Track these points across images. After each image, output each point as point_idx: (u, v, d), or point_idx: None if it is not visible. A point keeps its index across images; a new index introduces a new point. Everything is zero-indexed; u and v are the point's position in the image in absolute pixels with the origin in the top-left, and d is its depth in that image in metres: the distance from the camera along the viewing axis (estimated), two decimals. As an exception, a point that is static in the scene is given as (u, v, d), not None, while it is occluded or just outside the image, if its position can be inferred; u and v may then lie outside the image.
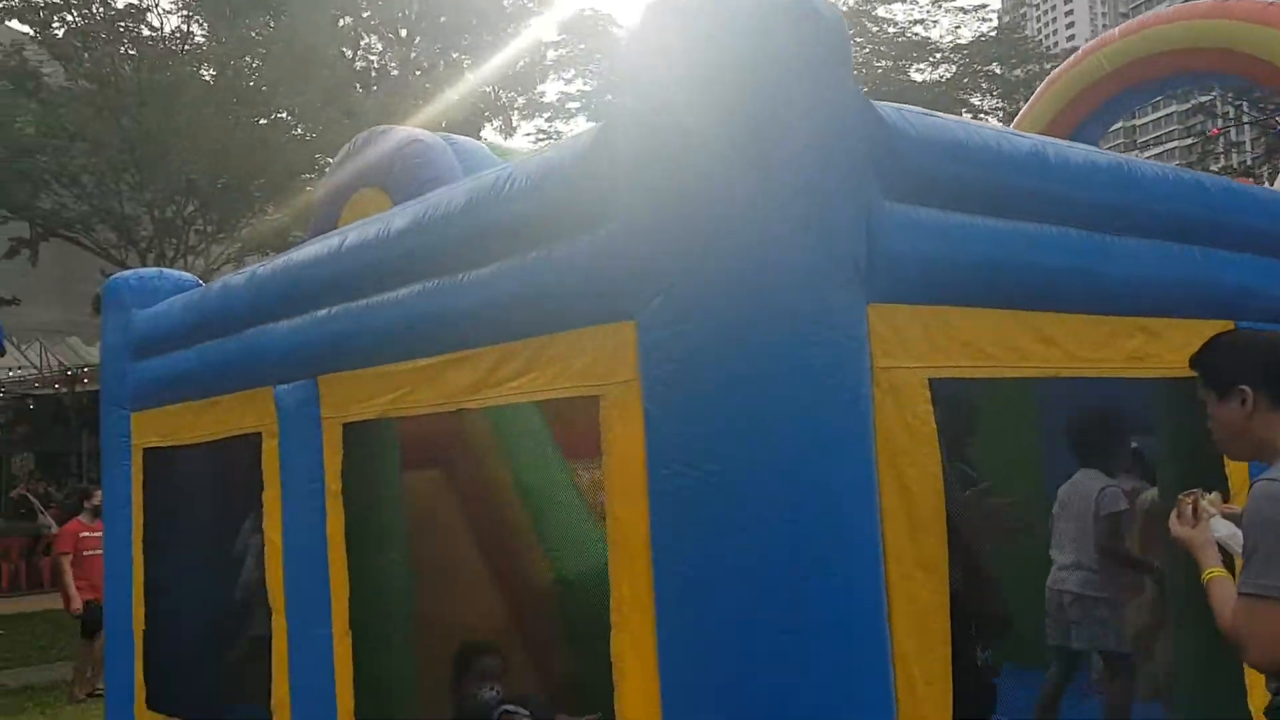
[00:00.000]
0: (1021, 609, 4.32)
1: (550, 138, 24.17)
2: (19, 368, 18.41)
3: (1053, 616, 4.16)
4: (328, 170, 4.83)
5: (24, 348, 17.82)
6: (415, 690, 3.37)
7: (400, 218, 3.00)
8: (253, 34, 15.98)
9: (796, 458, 1.99)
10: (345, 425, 3.23)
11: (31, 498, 18.25)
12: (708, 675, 2.04)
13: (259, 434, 3.62)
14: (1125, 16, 39.07)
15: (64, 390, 20.02)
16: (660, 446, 2.14)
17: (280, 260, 3.60)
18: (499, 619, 3.89)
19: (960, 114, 21.71)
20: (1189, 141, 44.16)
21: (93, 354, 15.80)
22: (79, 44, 15.63)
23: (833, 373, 2.02)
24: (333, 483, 3.27)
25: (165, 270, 4.92)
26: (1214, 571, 2.21)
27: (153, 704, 4.46)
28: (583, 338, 2.40)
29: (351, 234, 3.21)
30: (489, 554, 3.98)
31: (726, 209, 2.05)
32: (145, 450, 4.44)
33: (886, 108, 2.27)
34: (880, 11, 26.87)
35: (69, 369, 18.63)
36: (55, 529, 17.48)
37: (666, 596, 2.12)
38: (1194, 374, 2.43)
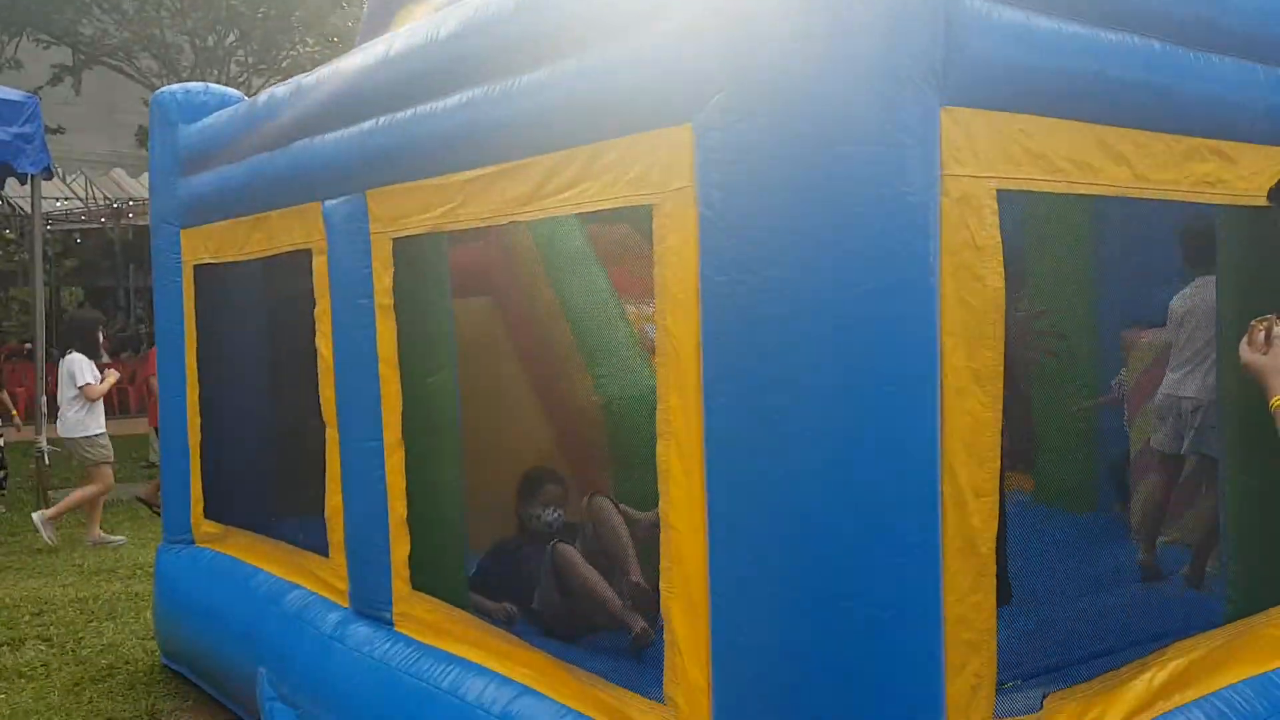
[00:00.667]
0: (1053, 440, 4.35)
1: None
2: (64, 198, 18.58)
3: (1167, 423, 4.15)
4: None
5: (69, 179, 17.95)
6: (462, 503, 3.46)
7: (449, 22, 2.89)
8: None
9: (857, 264, 1.94)
10: (395, 240, 3.21)
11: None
12: (754, 481, 2.05)
13: (308, 250, 3.63)
14: None
15: (110, 224, 20.24)
16: (715, 252, 2.09)
17: (327, 70, 3.51)
18: (545, 441, 3.95)
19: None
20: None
21: (137, 187, 15.86)
22: None
23: (899, 178, 1.94)
24: (383, 298, 3.28)
25: (211, 85, 4.85)
26: None
27: (210, 514, 4.65)
28: (637, 144, 2.33)
29: (399, 41, 3.11)
30: (537, 378, 4.02)
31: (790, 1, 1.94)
32: (196, 267, 4.48)
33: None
34: None
35: (114, 202, 18.79)
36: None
37: (715, 405, 2.11)
38: (1269, 203, 2.32)
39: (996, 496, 2.09)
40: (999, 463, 2.09)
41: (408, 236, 3.16)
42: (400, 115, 3.08)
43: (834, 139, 1.93)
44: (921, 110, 1.97)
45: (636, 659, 3.02)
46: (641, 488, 2.41)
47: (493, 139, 2.75)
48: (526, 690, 2.79)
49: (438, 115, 2.92)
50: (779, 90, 1.97)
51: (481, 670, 2.96)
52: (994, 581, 2.12)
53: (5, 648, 5.12)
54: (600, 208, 2.50)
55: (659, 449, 2.30)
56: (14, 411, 7.91)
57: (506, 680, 2.86)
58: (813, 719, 1.98)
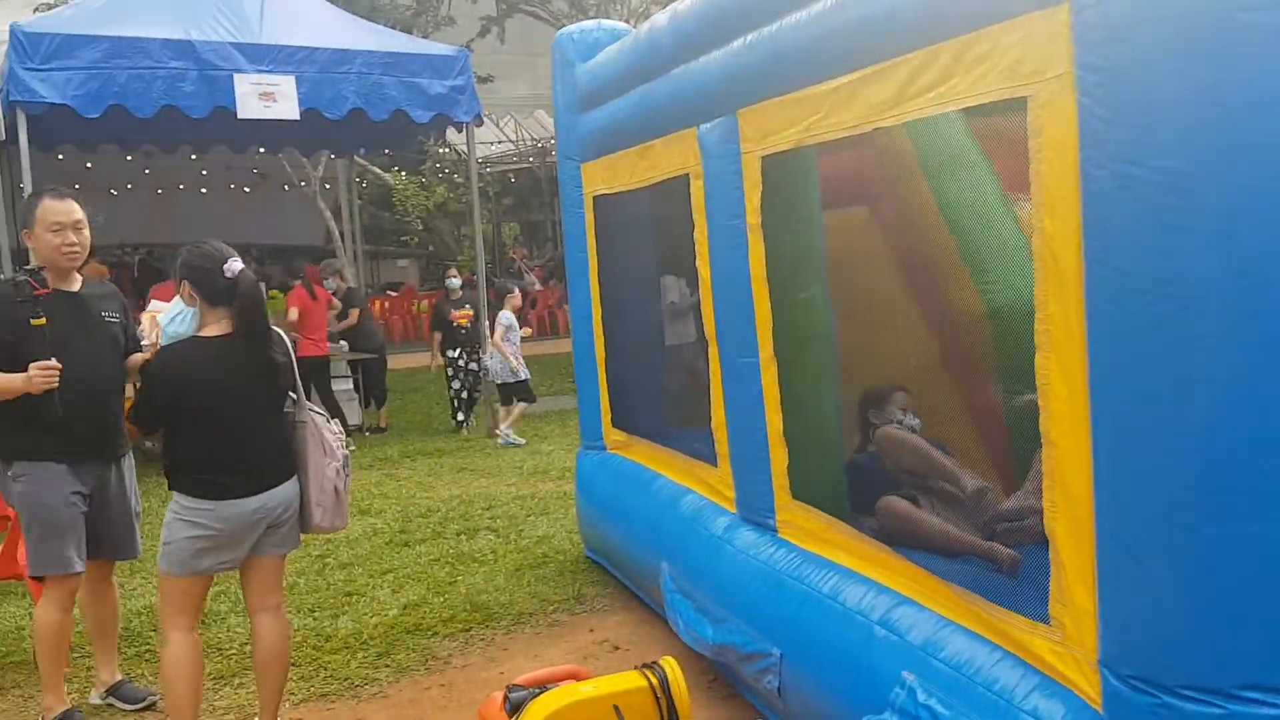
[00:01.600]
0: None
1: None
2: (498, 142, 20.80)
3: None
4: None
5: (500, 123, 20.05)
6: (836, 412, 3.49)
7: (811, -72, 2.84)
8: None
9: (1259, 152, 1.66)
10: (764, 158, 3.26)
11: (519, 260, 21.06)
12: (1142, 395, 1.86)
13: (687, 175, 3.79)
14: None
15: (536, 163, 22.42)
16: (1097, 145, 1.90)
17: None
18: (927, 353, 3.84)
19: None
20: None
21: (556, 125, 17.28)
22: None
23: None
24: (753, 216, 3.35)
25: (604, 22, 5.12)
26: None
27: (617, 423, 5.10)
28: (1008, 31, 2.15)
29: (763, -45, 3.11)
30: (917, 287, 3.90)
31: None
32: (595, 197, 4.86)
33: None
34: None
35: (539, 141, 20.74)
36: (539, 287, 20.16)
37: (1098, 313, 1.93)
38: None
39: None
40: None
41: (776, 153, 3.18)
42: (766, 30, 3.09)
43: (1232, 9, 1.66)
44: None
45: (1013, 577, 2.89)
46: (1034, 403, 2.27)
47: (856, 42, 2.67)
48: (905, 600, 2.79)
49: (801, 25, 2.90)
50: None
51: (861, 578, 3.00)
52: None
53: (463, 536, 6.03)
54: (970, 104, 2.36)
55: (1038, 361, 2.17)
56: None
57: (885, 589, 2.89)
58: (1209, 650, 1.79)
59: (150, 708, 3.87)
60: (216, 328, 3.21)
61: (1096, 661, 2.04)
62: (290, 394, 3.38)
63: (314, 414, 3.43)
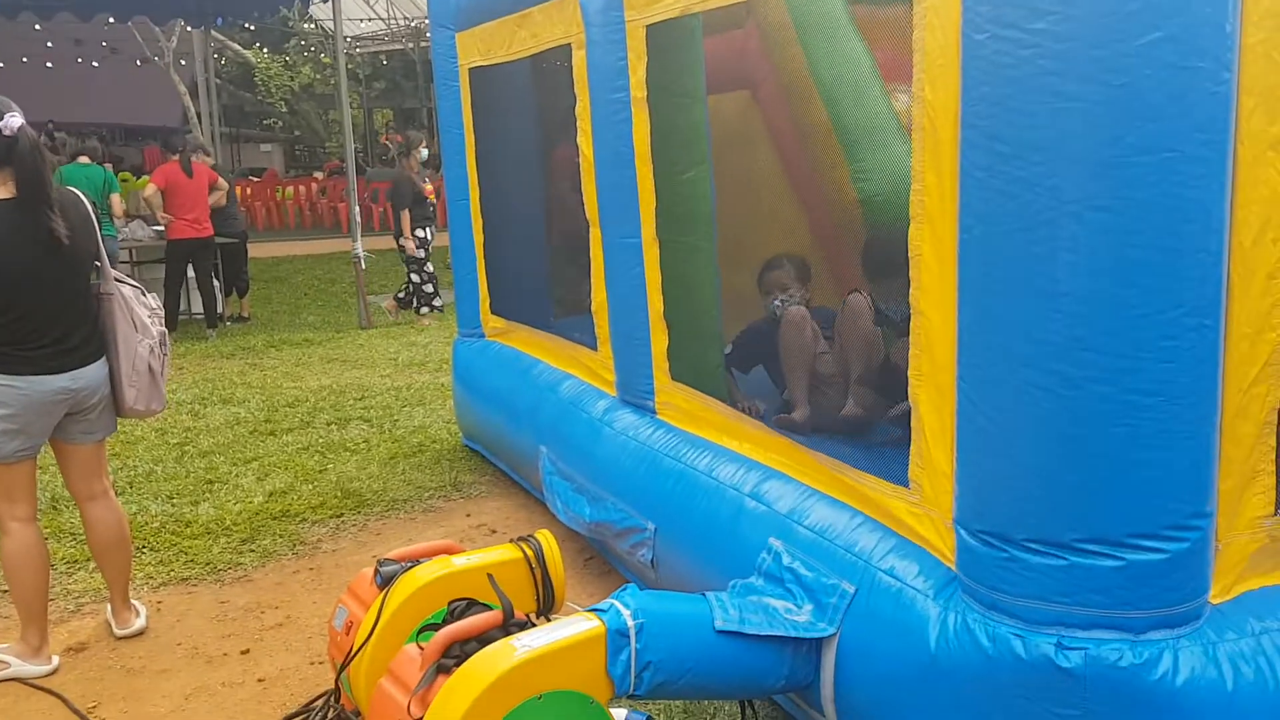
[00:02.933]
0: None
1: None
2: (367, 20, 19.78)
3: None
4: None
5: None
6: (717, 298, 3.50)
7: None
8: None
9: (1137, 9, 1.68)
10: (649, 27, 3.16)
11: (391, 146, 20.28)
12: (1010, 262, 1.90)
13: (569, 45, 3.66)
14: None
15: (410, 45, 21.45)
16: (978, 7, 1.88)
17: None
18: (800, 235, 3.86)
19: None
20: None
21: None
22: None
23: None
24: (637, 90, 3.27)
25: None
26: None
27: (495, 310, 5.01)
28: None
29: None
30: (794, 171, 3.90)
31: None
32: (471, 70, 4.66)
33: None
34: None
35: (411, 21, 19.81)
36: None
37: (970, 180, 1.95)
38: None
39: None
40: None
41: (661, 22, 3.09)
42: (653, -110, 2.96)
43: None
44: None
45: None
46: (900, 284, 2.31)
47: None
48: (774, 473, 2.86)
49: (689, -114, 2.79)
50: None
51: (734, 455, 3.06)
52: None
53: (334, 426, 5.89)
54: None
55: (911, 233, 2.19)
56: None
57: (756, 464, 2.95)
58: (1060, 507, 1.89)
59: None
60: (3, 194, 2.94)
61: (952, 521, 2.13)
62: (94, 264, 3.16)
63: (125, 286, 3.23)
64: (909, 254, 2.20)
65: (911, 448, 2.27)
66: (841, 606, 2.29)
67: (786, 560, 2.48)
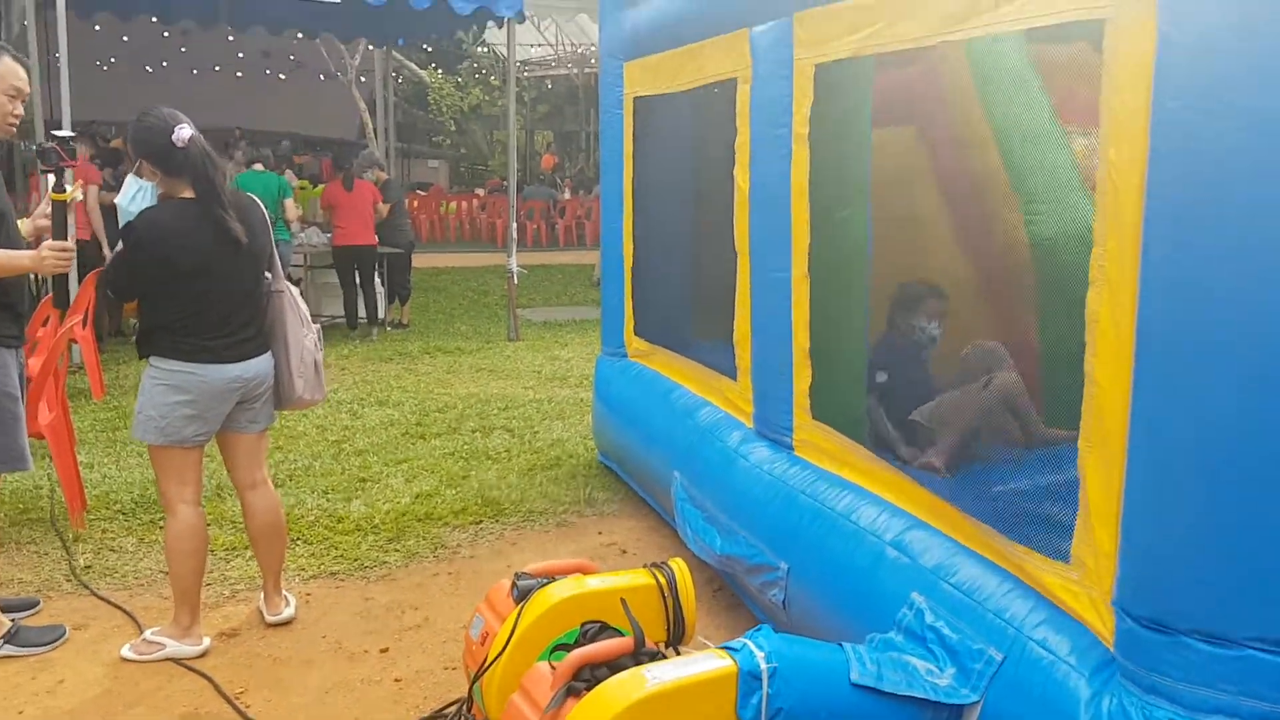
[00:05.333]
0: None
1: None
2: (537, 45, 20.43)
3: None
4: None
5: (541, 25, 19.66)
6: (865, 338, 3.44)
7: None
8: None
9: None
10: (818, 66, 3.15)
11: (549, 168, 20.86)
12: (1194, 339, 1.81)
13: (734, 80, 3.69)
14: None
15: (575, 70, 22.03)
16: (1172, 76, 1.81)
17: (761, -111, 3.45)
18: (965, 277, 3.76)
19: None
20: None
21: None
22: None
23: None
24: (800, 126, 3.26)
25: (656, -83, 4.95)
26: None
27: (639, 332, 5.07)
28: (1091, -56, 2.05)
29: None
30: (959, 213, 3.80)
31: None
32: (635, 99, 4.74)
33: None
34: None
35: (578, 47, 20.35)
36: (567, 196, 20.00)
37: (1155, 251, 1.87)
38: None
39: None
40: None
41: (831, 62, 3.08)
42: (832, -70, 2.96)
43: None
44: None
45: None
46: (1069, 336, 2.22)
47: (926, -51, 2.56)
48: (919, 523, 2.78)
49: (869, -73, 2.77)
50: None
51: (875, 499, 2.99)
52: None
53: (478, 433, 6.07)
54: (1045, 23, 2.25)
55: (1089, 296, 2.11)
56: None
57: (900, 511, 2.88)
58: (1236, 602, 1.77)
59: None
60: (186, 195, 3.15)
61: (1112, 601, 2.03)
62: (269, 262, 3.36)
63: (289, 285, 3.43)
64: (1085, 318, 2.11)
65: (1077, 521, 2.17)
66: (987, 674, 2.21)
67: (929, 618, 2.41)
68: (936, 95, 3.73)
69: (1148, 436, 1.92)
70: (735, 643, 2.28)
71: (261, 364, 3.32)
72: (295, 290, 3.46)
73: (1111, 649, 2.02)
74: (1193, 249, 1.79)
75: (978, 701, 2.20)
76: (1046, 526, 2.41)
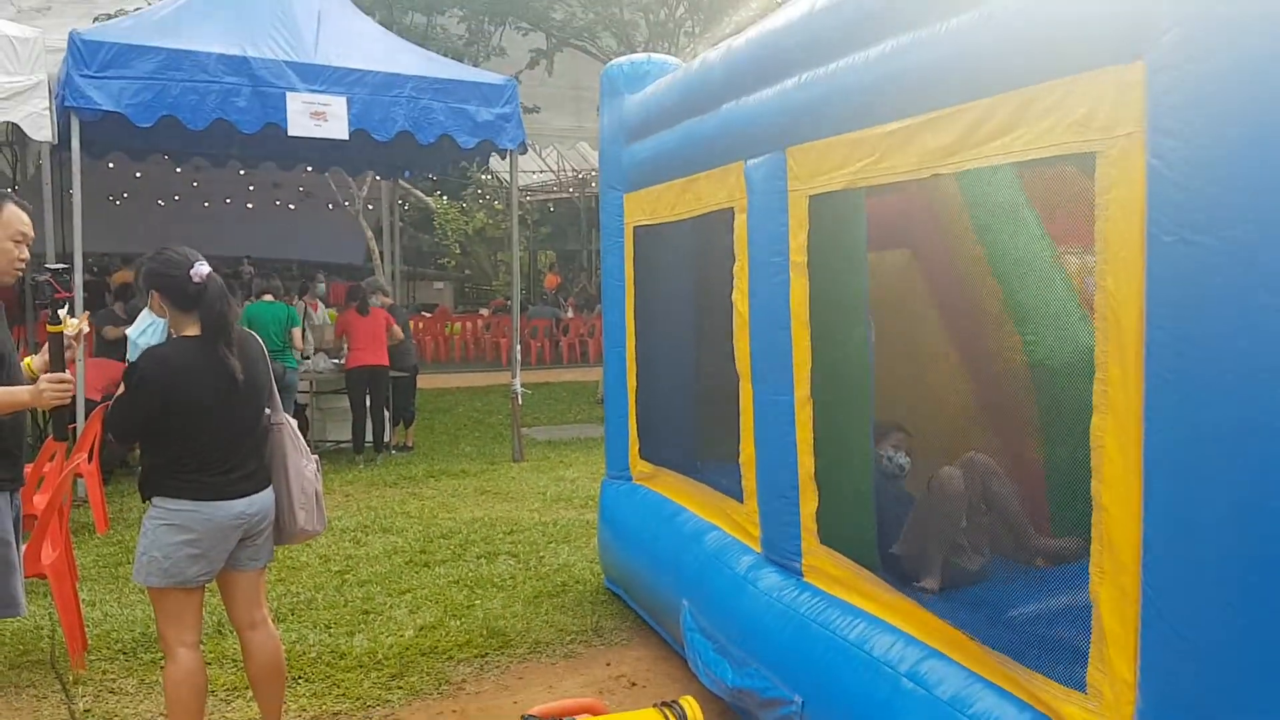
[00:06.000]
0: None
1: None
2: (540, 171, 21.00)
3: None
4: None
5: (543, 153, 20.25)
6: (872, 460, 3.43)
7: (873, -30, 2.83)
8: None
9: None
10: (811, 197, 3.24)
11: (552, 288, 21.19)
12: (1200, 467, 1.81)
13: (731, 209, 3.78)
14: None
15: (576, 194, 22.59)
16: (1164, 209, 1.87)
17: (754, 30, 3.61)
18: (966, 403, 3.78)
19: None
20: None
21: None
22: None
23: None
24: (797, 255, 3.33)
25: (654, 55, 5.16)
26: None
27: (644, 455, 5.06)
28: (1079, 85, 2.12)
29: (823, -5, 3.11)
30: (959, 335, 3.85)
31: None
32: (635, 228, 4.85)
33: None
34: None
35: (579, 173, 20.92)
36: (570, 314, 20.25)
37: (1157, 380, 1.89)
38: None
39: None
40: None
41: (824, 193, 3.16)
42: (821, 70, 3.08)
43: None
44: None
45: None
46: (1072, 458, 2.22)
47: (916, 88, 2.65)
48: (934, 653, 2.73)
49: (859, 67, 2.88)
50: (1248, 23, 1.69)
51: (889, 627, 2.94)
52: None
53: (483, 560, 5.99)
54: (1035, 156, 2.32)
55: (1094, 423, 2.11)
56: None
57: (914, 640, 2.82)
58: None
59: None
60: (192, 331, 3.20)
61: (1135, 731, 1.97)
62: (269, 397, 3.38)
63: (288, 418, 3.45)
64: (1090, 444, 2.11)
65: (1092, 649, 2.13)
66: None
67: (947, 754, 2.34)
68: (930, 219, 3.83)
69: (1162, 565, 1.90)
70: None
71: (264, 498, 3.31)
72: (294, 423, 3.48)
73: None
74: (1196, 381, 1.81)
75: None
76: (1062, 653, 2.36)
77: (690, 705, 2.71)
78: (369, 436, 9.46)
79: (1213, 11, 1.77)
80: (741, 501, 3.89)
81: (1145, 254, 1.90)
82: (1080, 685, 2.17)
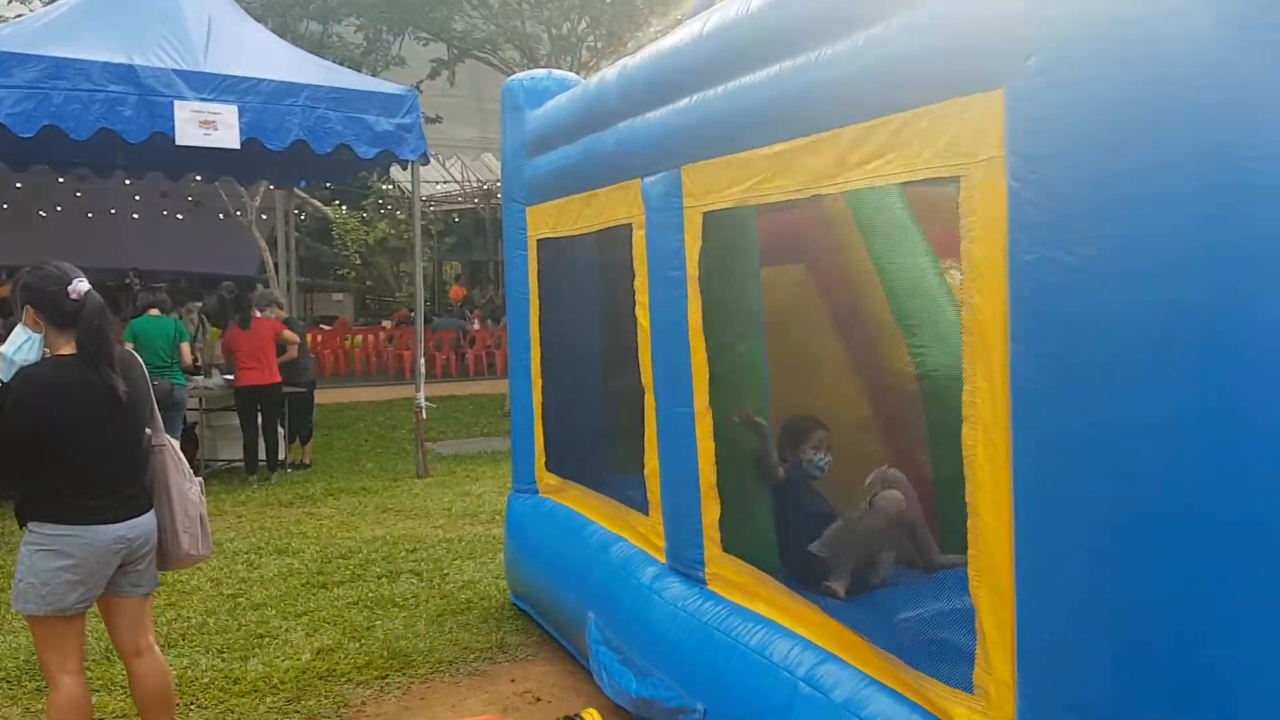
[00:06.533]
0: None
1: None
2: (443, 182, 20.78)
3: None
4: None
5: (447, 164, 20.04)
6: (769, 464, 3.51)
7: (761, -5, 2.92)
8: None
9: (1189, 248, 1.74)
10: (705, 214, 3.30)
11: (458, 300, 20.98)
12: (1064, 474, 1.91)
13: (630, 224, 3.83)
14: None
15: (480, 205, 22.43)
16: (1024, 228, 1.97)
17: (649, 50, 3.67)
18: (859, 412, 3.89)
19: None
20: None
21: (502, 168, 17.36)
22: None
23: (1241, 148, 1.71)
24: (692, 269, 3.39)
25: (555, 71, 5.19)
26: None
27: (550, 467, 5.06)
28: (945, 111, 2.23)
29: (714, 18, 3.18)
30: (850, 346, 3.97)
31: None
32: (539, 240, 4.87)
33: None
34: None
35: (484, 184, 20.78)
36: (477, 326, 20.07)
37: (1022, 391, 1.99)
38: None
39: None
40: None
41: (717, 210, 3.23)
42: (713, 92, 3.15)
43: (1161, 107, 1.73)
44: (1266, 70, 1.70)
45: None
46: (961, 465, 2.32)
47: (798, 112, 2.74)
48: (831, 657, 2.80)
49: (747, 90, 2.96)
50: (1101, 52, 1.80)
51: (788, 633, 3.01)
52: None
53: (384, 579, 5.90)
54: (906, 179, 2.43)
55: (965, 432, 2.21)
56: None
57: (811, 645, 2.90)
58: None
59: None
60: (67, 350, 3.10)
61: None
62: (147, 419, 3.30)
63: (170, 439, 3.37)
64: (963, 453, 2.21)
65: (977, 651, 2.23)
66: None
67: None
68: (820, 235, 3.94)
69: (1033, 569, 1.99)
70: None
71: (146, 522, 3.22)
72: (175, 444, 3.39)
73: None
74: (1054, 389, 1.91)
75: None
76: (950, 655, 2.45)
77: (592, 717, 2.73)
78: (263, 455, 9.21)
79: (1069, 39, 1.87)
80: (647, 513, 3.93)
81: (1008, 272, 2.00)
82: (967, 686, 2.26)
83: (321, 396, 10.97)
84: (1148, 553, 1.81)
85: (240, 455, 9.27)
